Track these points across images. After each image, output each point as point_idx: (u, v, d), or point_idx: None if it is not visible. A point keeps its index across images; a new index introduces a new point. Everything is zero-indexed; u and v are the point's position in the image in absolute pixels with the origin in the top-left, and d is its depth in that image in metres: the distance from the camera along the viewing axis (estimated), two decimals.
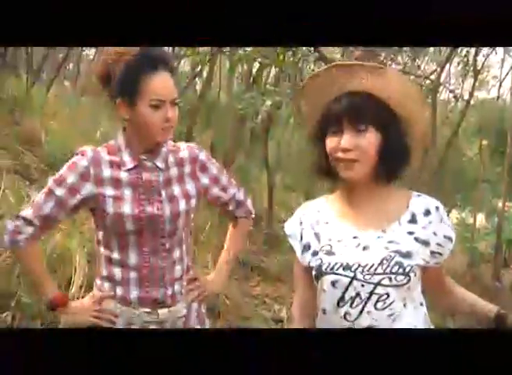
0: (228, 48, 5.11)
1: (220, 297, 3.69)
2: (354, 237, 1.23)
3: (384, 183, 1.25)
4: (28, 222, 1.50)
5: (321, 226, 1.30)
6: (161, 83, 1.42)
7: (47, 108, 7.07)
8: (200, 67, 5.71)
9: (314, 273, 1.25)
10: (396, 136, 1.20)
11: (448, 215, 1.26)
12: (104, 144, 1.54)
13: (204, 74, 6.83)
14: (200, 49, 4.94)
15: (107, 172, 1.48)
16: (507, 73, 13.01)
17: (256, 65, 6.45)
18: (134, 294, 1.50)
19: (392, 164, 1.21)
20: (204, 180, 1.59)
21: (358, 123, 1.18)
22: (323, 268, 1.22)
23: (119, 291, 1.50)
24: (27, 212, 1.51)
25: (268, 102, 4.49)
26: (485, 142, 11.72)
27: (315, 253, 1.26)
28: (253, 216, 1.77)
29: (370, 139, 1.18)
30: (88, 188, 1.47)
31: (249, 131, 7.22)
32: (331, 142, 1.21)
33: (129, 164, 1.49)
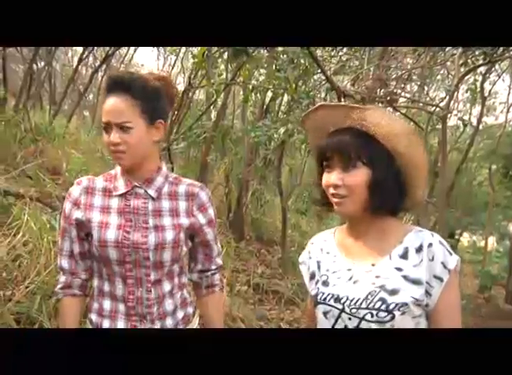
0: (242, 79, 5.29)
1: (235, 320, 3.77)
2: (348, 270, 1.24)
3: (384, 217, 1.23)
4: (61, 269, 1.50)
5: (323, 255, 1.33)
6: (109, 106, 1.37)
7: (68, 137, 7.30)
8: (215, 97, 5.88)
9: (314, 301, 1.29)
10: (386, 170, 1.18)
11: (452, 246, 1.17)
12: (103, 173, 1.52)
13: (219, 103, 7.01)
14: (216, 80, 5.12)
15: (98, 198, 1.46)
16: None
17: (269, 94, 6.63)
18: (120, 327, 1.45)
19: (383, 198, 1.18)
20: (202, 219, 1.52)
21: (346, 160, 1.18)
22: (318, 298, 1.26)
23: (106, 323, 1.46)
24: (58, 260, 1.51)
25: (281, 130, 4.64)
26: (494, 167, 11.72)
27: (317, 282, 1.30)
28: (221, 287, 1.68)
29: (358, 174, 1.18)
30: (78, 214, 1.45)
31: (263, 158, 7.36)
32: (325, 178, 1.23)
33: (121, 190, 1.46)
